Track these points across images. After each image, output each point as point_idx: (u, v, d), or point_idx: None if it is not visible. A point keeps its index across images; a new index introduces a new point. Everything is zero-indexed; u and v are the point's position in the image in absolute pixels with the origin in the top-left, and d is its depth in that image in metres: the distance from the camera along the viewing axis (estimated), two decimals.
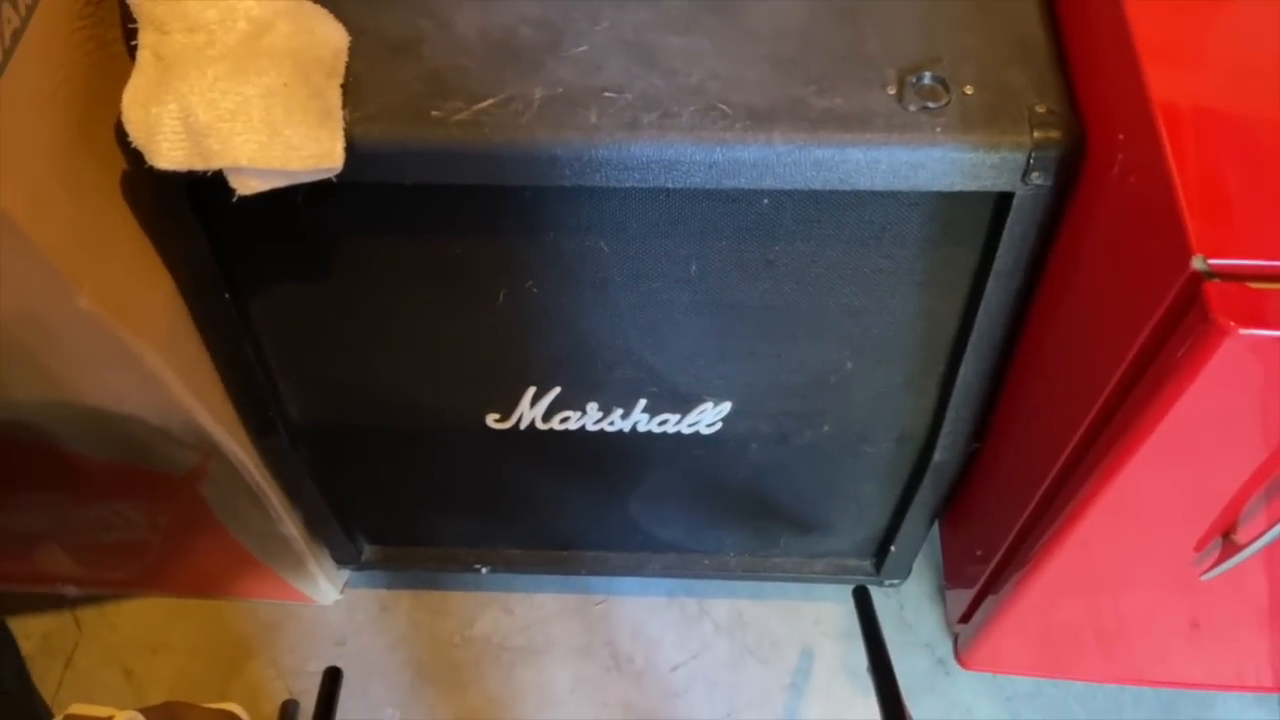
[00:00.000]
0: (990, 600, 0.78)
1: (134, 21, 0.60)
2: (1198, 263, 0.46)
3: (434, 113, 0.59)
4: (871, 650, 0.74)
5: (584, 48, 0.62)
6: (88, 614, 1.07)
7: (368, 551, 1.02)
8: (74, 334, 0.60)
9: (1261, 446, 0.55)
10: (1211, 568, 0.64)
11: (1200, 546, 0.63)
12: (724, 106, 0.59)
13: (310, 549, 0.97)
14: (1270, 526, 0.59)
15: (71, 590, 1.06)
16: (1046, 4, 0.64)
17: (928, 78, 0.60)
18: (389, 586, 1.09)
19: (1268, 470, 0.56)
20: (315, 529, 0.96)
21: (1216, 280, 0.46)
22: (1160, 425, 0.52)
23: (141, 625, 1.07)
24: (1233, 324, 0.45)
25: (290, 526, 0.91)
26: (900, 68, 0.60)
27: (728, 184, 0.60)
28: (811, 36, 0.62)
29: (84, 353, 0.62)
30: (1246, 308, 0.45)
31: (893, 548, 0.94)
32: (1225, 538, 0.62)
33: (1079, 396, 0.60)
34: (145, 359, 0.65)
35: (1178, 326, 0.48)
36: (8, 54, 0.52)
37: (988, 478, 0.81)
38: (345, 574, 1.08)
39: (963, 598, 0.87)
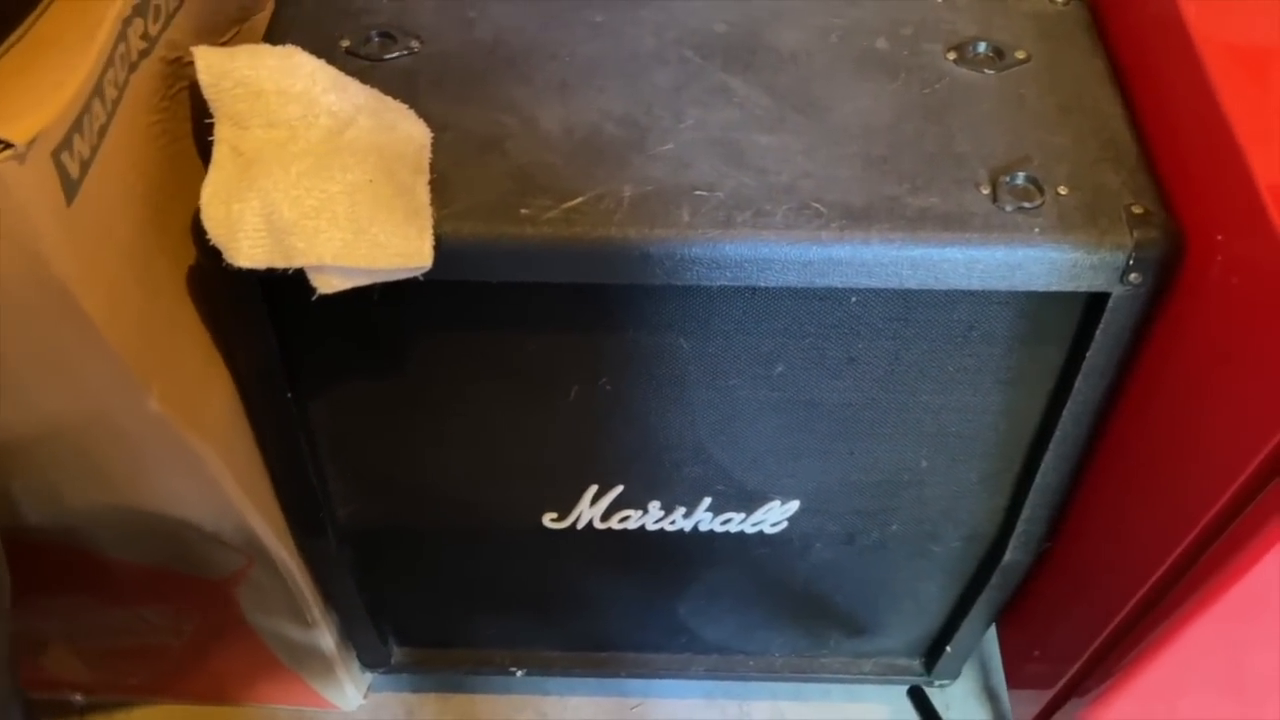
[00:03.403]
0: (1075, 703, 0.75)
1: (209, 116, 0.58)
2: None
3: (524, 210, 0.57)
4: None
5: (670, 145, 0.61)
6: None
7: (398, 654, 0.98)
8: (141, 437, 0.57)
9: None
10: None
11: None
12: (818, 205, 0.58)
13: (340, 653, 0.93)
14: None
15: (79, 698, 1.00)
16: (1129, 106, 0.64)
17: (1021, 178, 0.59)
18: (415, 690, 1.04)
19: None
20: (348, 632, 0.92)
21: None
22: None
23: None
24: None
25: (324, 630, 0.87)
26: (992, 167, 0.60)
27: (821, 283, 0.58)
28: (899, 135, 0.62)
29: (148, 456, 0.59)
30: None
31: (949, 648, 0.91)
32: None
33: (1186, 502, 0.59)
34: (207, 462, 0.62)
35: None
36: (94, 150, 0.50)
37: (1058, 577, 0.79)
38: (369, 677, 1.03)
39: (1031, 698, 0.84)
